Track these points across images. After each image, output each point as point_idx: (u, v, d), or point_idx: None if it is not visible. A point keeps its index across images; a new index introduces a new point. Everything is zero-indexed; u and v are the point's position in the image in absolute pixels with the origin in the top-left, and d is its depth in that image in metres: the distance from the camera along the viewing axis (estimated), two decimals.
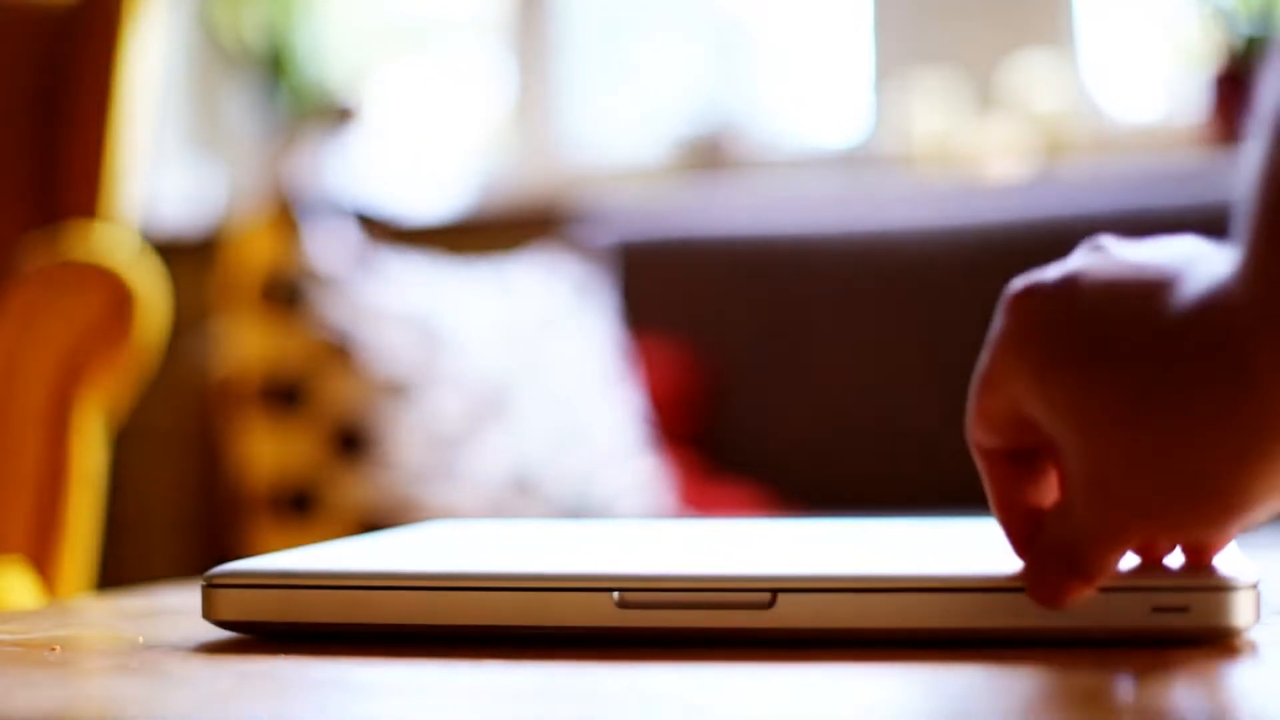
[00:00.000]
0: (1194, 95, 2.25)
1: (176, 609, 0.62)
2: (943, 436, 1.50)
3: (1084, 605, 0.46)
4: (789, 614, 0.48)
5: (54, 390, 1.39)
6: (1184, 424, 0.41)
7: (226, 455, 1.85)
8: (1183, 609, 0.45)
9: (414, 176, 2.60)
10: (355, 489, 1.77)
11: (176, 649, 0.51)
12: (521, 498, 1.78)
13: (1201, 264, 0.42)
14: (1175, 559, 0.55)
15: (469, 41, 2.70)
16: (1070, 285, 0.44)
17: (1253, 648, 0.47)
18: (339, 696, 0.43)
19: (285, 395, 1.78)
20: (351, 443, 1.78)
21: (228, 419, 1.83)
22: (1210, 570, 0.51)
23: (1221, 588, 0.46)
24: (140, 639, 0.53)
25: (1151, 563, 0.54)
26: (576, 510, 1.78)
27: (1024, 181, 2.15)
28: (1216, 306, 0.41)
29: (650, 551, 0.60)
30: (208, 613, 0.52)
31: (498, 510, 1.76)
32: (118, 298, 1.41)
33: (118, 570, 2.33)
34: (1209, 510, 0.41)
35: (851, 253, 1.87)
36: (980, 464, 0.47)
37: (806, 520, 0.67)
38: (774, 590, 0.48)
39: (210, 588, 0.52)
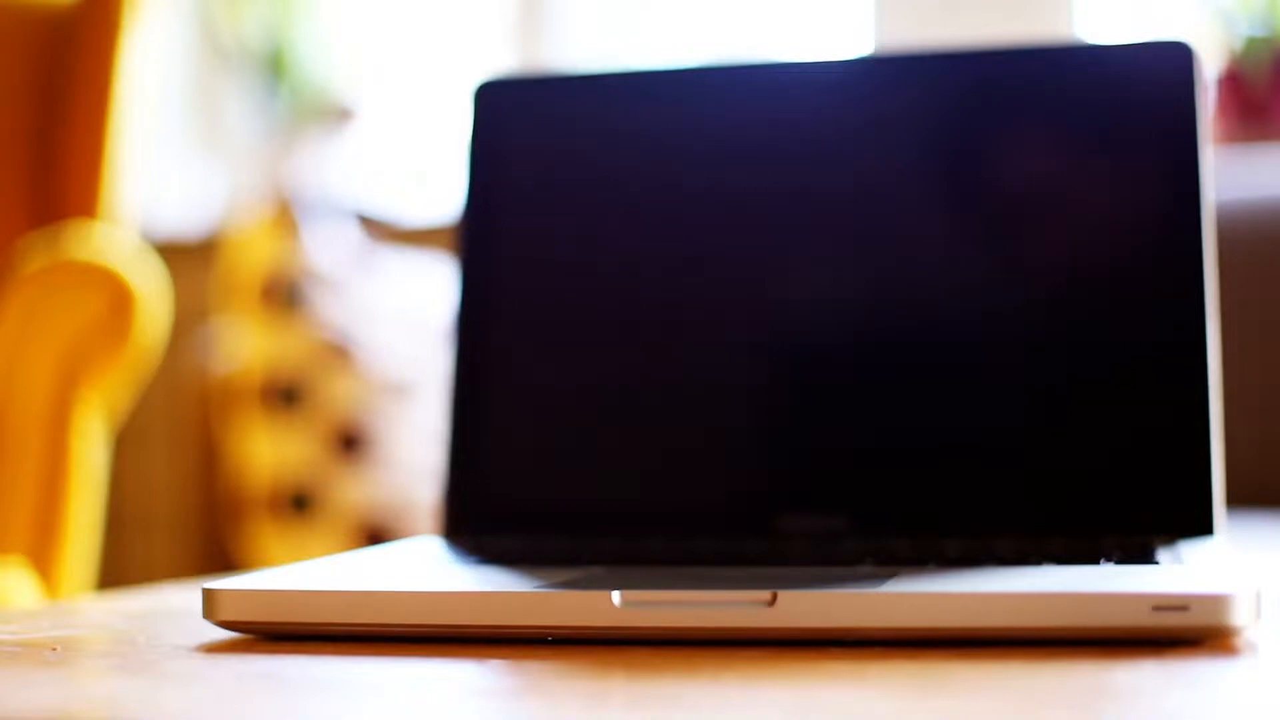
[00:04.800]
0: None
1: (176, 609, 0.62)
2: None
3: (1084, 605, 0.46)
4: (789, 614, 0.48)
5: (54, 390, 1.39)
6: None
7: (226, 455, 1.85)
8: (1183, 608, 0.46)
9: (414, 176, 2.59)
10: (355, 489, 1.77)
11: (176, 649, 0.51)
12: None
13: None
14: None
15: (469, 41, 2.70)
16: None
17: (1253, 648, 0.47)
18: (339, 696, 0.43)
19: (285, 395, 1.78)
20: (351, 443, 1.78)
21: (228, 419, 1.83)
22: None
23: (1221, 587, 0.46)
24: (140, 639, 0.53)
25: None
26: None
27: None
28: None
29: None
30: (208, 613, 0.52)
31: None
32: (118, 298, 1.41)
33: (118, 570, 2.33)
34: None
35: None
36: None
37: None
38: (774, 590, 0.48)
39: (211, 589, 0.52)
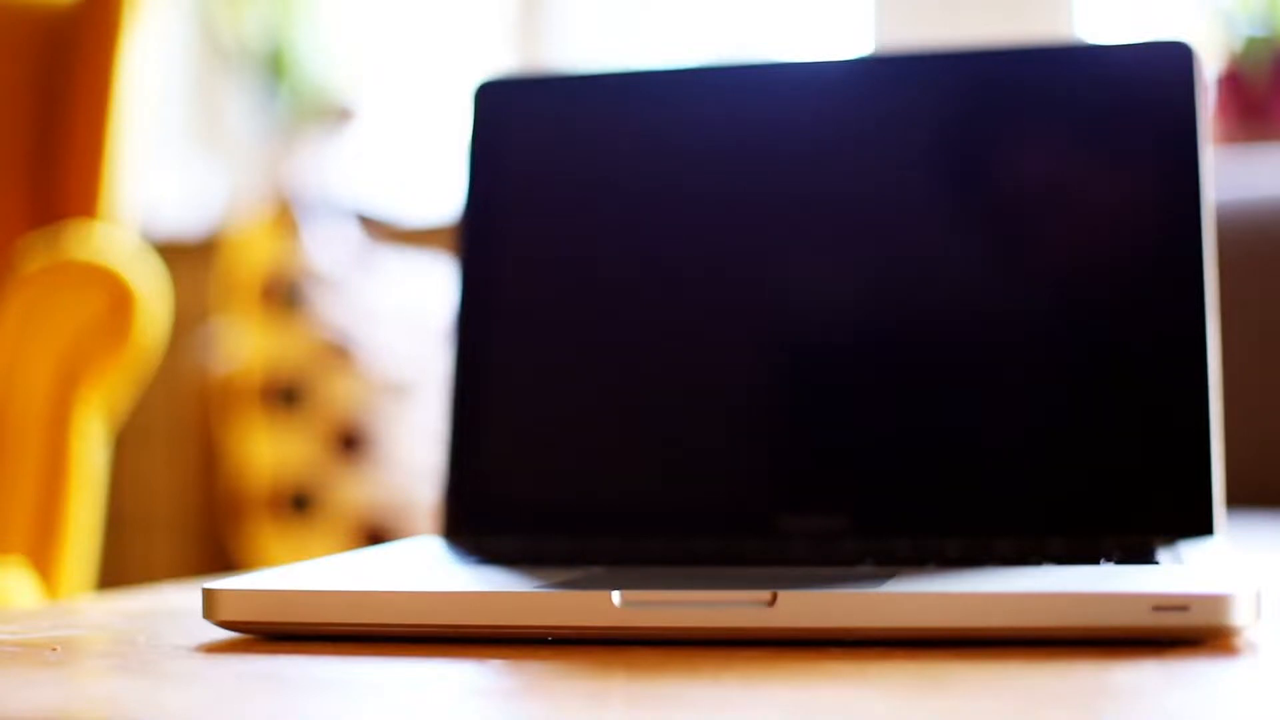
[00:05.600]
0: None
1: (176, 609, 0.62)
2: None
3: (1084, 605, 0.46)
4: (789, 614, 0.48)
5: (54, 390, 1.39)
6: None
7: (226, 455, 1.85)
8: (1183, 608, 0.46)
9: (414, 176, 2.60)
10: (355, 489, 1.77)
11: (176, 649, 0.51)
12: None
13: None
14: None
15: (469, 41, 2.70)
16: None
17: (1253, 648, 0.47)
18: (340, 696, 0.43)
19: (285, 395, 1.78)
20: (351, 443, 1.78)
21: (228, 419, 1.83)
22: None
23: (1221, 587, 0.46)
24: (140, 639, 0.53)
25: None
26: None
27: None
28: None
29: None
30: (208, 613, 0.52)
31: None
32: (118, 298, 1.41)
33: (118, 570, 2.33)
34: None
35: None
36: None
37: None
38: (774, 590, 0.48)
39: (211, 589, 0.52)
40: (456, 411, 0.71)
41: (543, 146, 0.73)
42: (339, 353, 1.79)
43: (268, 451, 1.77)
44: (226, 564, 1.85)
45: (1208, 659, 0.45)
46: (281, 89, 2.65)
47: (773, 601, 0.48)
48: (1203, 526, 0.63)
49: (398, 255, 1.99)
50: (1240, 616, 0.46)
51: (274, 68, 2.66)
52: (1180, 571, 0.51)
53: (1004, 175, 0.69)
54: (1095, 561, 0.54)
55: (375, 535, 1.77)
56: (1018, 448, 0.66)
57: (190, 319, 2.26)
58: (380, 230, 2.31)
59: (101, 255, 1.42)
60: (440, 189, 2.53)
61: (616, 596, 0.49)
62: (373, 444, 1.78)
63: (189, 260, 2.34)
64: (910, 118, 0.70)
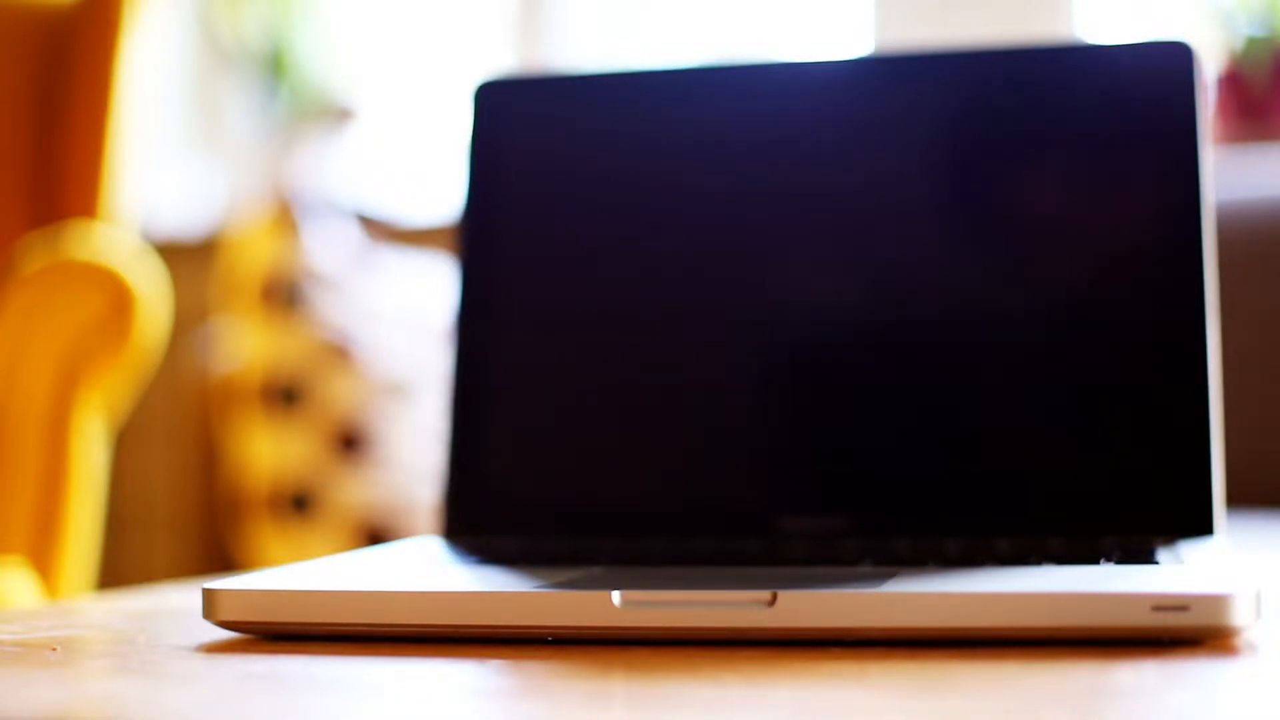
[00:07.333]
0: None
1: (176, 609, 0.62)
2: None
3: (1084, 605, 0.46)
4: (789, 614, 0.48)
5: (54, 390, 1.39)
6: None
7: (226, 455, 1.85)
8: (1183, 609, 0.46)
9: (414, 176, 2.60)
10: (355, 489, 1.77)
11: (176, 649, 0.51)
12: None
13: None
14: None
15: (469, 41, 2.70)
16: None
17: (1253, 648, 0.47)
18: (340, 696, 0.43)
19: (285, 395, 1.78)
20: (351, 443, 1.78)
21: (227, 419, 1.83)
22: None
23: (1221, 587, 0.46)
24: (140, 639, 0.53)
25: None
26: None
27: None
28: None
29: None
30: (208, 613, 0.52)
31: None
32: (118, 298, 1.41)
33: (118, 570, 2.33)
34: None
35: None
36: None
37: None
38: (774, 590, 0.48)
39: (211, 589, 0.52)
40: (456, 411, 0.71)
41: (543, 146, 0.73)
42: (339, 353, 1.79)
43: (268, 451, 1.77)
44: (226, 564, 1.85)
45: (1208, 659, 0.45)
46: (281, 89, 2.65)
47: (773, 601, 0.48)
48: (1203, 526, 0.63)
49: (398, 255, 1.99)
50: (1240, 616, 0.46)
51: (274, 68, 2.66)
52: (1180, 571, 0.51)
53: (1004, 176, 0.69)
54: (1095, 561, 0.54)
55: (375, 535, 1.77)
56: (1018, 448, 0.66)
57: (190, 319, 2.26)
58: (380, 230, 2.31)
59: (101, 255, 1.42)
60: (440, 189, 2.53)
61: (616, 596, 0.49)
62: (373, 444, 1.78)
63: (189, 260, 2.34)
64: (910, 118, 0.70)
